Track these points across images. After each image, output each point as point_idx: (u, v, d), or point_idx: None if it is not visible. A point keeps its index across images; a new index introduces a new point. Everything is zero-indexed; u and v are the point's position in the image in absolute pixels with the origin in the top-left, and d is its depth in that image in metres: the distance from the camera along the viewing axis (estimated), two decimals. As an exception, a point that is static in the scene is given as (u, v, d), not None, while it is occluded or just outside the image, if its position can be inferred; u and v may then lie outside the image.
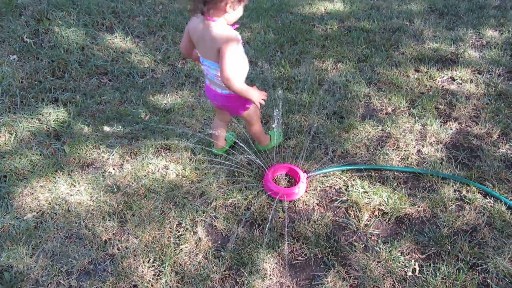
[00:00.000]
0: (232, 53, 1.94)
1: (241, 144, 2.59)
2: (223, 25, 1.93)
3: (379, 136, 2.89)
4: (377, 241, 2.23)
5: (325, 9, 4.44)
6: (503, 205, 2.37)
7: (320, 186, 2.53)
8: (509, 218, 2.31)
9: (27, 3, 4.14)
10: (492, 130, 2.90)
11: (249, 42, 3.91)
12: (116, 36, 3.89)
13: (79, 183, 2.50)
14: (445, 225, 2.28)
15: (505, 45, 3.74)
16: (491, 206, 2.38)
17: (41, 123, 2.91)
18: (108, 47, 3.74)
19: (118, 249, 2.15)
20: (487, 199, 2.43)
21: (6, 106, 3.05)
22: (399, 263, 2.11)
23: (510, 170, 2.62)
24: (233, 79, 1.98)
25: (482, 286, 2.01)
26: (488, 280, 2.02)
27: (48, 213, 2.33)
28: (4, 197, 2.42)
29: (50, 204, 2.38)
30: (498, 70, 3.44)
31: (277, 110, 2.43)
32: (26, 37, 3.71)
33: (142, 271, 2.04)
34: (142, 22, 4.15)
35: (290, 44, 3.87)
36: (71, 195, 2.43)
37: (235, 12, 1.91)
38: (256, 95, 2.15)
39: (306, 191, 2.49)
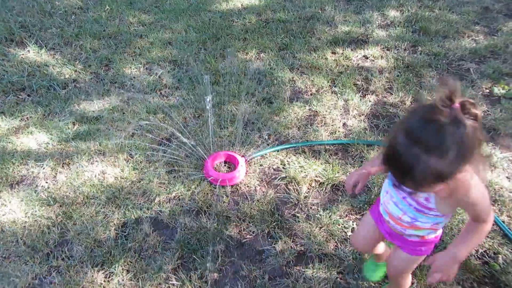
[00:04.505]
0: None
1: (179, 135, 2.62)
2: None
3: (307, 115, 3.06)
4: (317, 209, 2.38)
5: (242, 5, 4.58)
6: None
7: (259, 168, 2.63)
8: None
9: None
10: (405, 98, 3.21)
11: (171, 42, 3.92)
12: (28, 51, 3.70)
13: (10, 202, 2.37)
14: (375, 185, 2.49)
15: (406, 23, 4.13)
16: (411, 163, 2.64)
17: (-43, 147, 2.71)
18: (21, 62, 3.55)
19: (63, 259, 2.08)
20: (407, 157, 2.69)
21: None
22: (339, 225, 2.28)
23: (424, 130, 2.92)
24: None
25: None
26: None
27: (-21, 237, 2.18)
28: None
29: (-20, 228, 2.23)
30: (404, 45, 3.80)
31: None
32: None
33: (92, 276, 2.00)
34: (56, 34, 3.99)
35: (213, 40, 3.95)
36: (3, 215, 2.30)
37: None
38: None
39: (246, 174, 2.58)
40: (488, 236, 2.19)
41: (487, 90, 3.25)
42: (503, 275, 2.03)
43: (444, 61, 3.57)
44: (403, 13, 4.31)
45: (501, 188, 2.46)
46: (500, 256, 2.12)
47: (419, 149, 1.03)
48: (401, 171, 1.10)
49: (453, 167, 1.05)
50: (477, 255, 2.12)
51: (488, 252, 2.14)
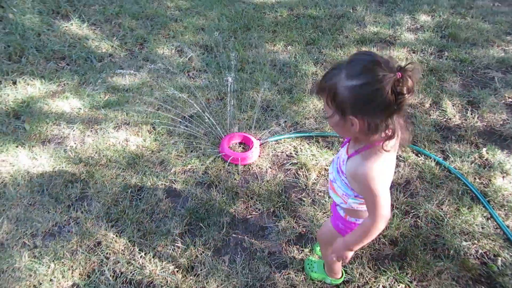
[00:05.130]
0: None
1: (201, 113, 2.76)
2: None
3: (325, 107, 3.14)
4: (323, 196, 2.47)
5: (276, -1, 4.70)
6: (433, 161, 2.69)
7: (272, 152, 2.75)
8: (437, 171, 2.62)
9: (-23, -8, 4.11)
10: (425, 100, 3.24)
11: (204, 28, 4.09)
12: (72, 24, 3.94)
13: (41, 157, 2.58)
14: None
15: (436, 28, 4.14)
16: (422, 162, 2.69)
17: (0, 104, 2.95)
18: (64, 33, 3.80)
19: (82, 212, 2.27)
20: (419, 157, 2.74)
21: (-39, 90, 3.06)
22: (342, 212, 2.35)
23: (439, 133, 2.95)
24: None
25: (413, 227, 2.29)
26: (419, 223, 2.32)
27: (10, 184, 2.40)
28: (-36, 172, 2.46)
29: (12, 176, 2.45)
30: (430, 49, 3.82)
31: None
32: (-22, 25, 3.70)
33: (106, 230, 2.18)
34: (98, 11, 4.23)
35: (243, 30, 4.08)
36: (33, 167, 2.51)
37: None
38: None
39: (259, 156, 2.70)
40: (489, 238, 2.22)
41: (510, 100, 3.23)
42: (500, 276, 2.06)
43: (469, 68, 3.57)
44: (434, 18, 4.31)
45: (510, 194, 2.48)
46: (499, 258, 2.15)
47: (344, 63, 1.20)
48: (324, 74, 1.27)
49: (346, 95, 1.16)
50: (476, 255, 2.16)
51: (488, 253, 2.18)
